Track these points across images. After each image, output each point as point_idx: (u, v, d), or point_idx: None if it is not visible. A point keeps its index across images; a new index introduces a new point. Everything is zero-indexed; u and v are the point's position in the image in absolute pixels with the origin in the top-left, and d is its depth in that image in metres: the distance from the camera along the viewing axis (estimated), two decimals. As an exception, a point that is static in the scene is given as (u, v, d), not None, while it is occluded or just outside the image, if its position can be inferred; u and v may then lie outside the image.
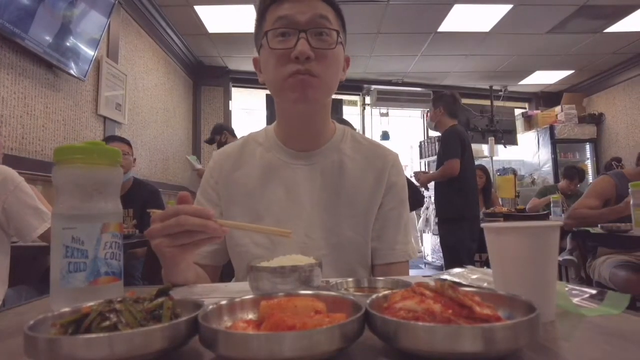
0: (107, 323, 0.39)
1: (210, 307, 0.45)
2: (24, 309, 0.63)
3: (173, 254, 0.71)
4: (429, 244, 6.46)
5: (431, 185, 3.83)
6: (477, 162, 5.80)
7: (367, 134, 6.84)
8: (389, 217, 1.00)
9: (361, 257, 0.97)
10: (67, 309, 0.44)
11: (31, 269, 2.13)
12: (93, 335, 0.37)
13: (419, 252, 6.38)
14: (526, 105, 7.77)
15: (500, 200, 5.50)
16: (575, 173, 4.65)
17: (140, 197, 2.74)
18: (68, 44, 2.94)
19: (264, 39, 0.89)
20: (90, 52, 3.19)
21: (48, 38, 2.73)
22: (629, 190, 2.09)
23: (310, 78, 0.86)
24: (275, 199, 0.97)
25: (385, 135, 6.80)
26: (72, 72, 3.03)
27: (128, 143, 2.86)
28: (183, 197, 0.72)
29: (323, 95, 0.92)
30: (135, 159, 2.94)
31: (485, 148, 6.71)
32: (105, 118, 3.63)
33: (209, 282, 0.92)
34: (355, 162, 1.01)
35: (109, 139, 2.90)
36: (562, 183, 4.72)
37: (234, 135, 4.11)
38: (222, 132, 4.12)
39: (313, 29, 0.86)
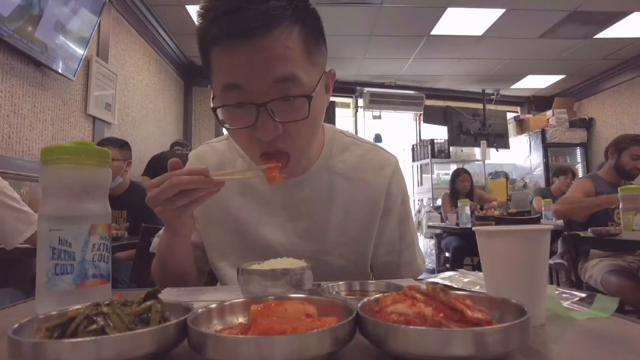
0: (94, 327, 0.39)
1: (200, 310, 0.44)
2: (8, 312, 0.62)
3: (174, 215, 0.71)
4: (421, 247, 6.47)
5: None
6: (468, 166, 5.87)
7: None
8: (392, 242, 0.94)
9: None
10: (53, 312, 0.43)
11: (17, 271, 2.10)
12: (79, 340, 0.36)
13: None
14: (518, 109, 7.84)
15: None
16: (568, 169, 4.67)
17: (135, 200, 2.71)
18: (57, 42, 2.91)
19: (215, 114, 0.72)
20: (79, 51, 3.16)
21: (37, 36, 2.70)
22: (618, 195, 2.13)
23: (284, 161, 0.74)
24: (254, 222, 0.89)
25: (377, 138, 6.82)
26: (61, 71, 2.99)
27: (119, 146, 2.76)
28: (174, 163, 0.71)
29: (302, 163, 0.81)
30: (129, 163, 2.82)
31: (477, 151, 6.76)
32: (94, 118, 3.59)
33: (195, 277, 0.92)
34: (347, 181, 0.90)
35: (102, 142, 2.85)
36: (557, 182, 4.62)
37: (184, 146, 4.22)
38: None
39: (274, 101, 0.68)
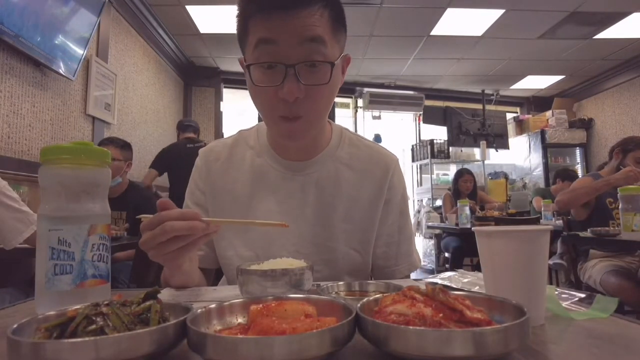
0: (93, 327, 0.39)
1: (199, 310, 0.44)
2: (8, 312, 0.62)
3: (172, 258, 0.69)
4: (421, 247, 6.49)
5: None
6: (468, 166, 5.87)
7: (359, 137, 6.83)
8: (392, 232, 0.98)
9: (357, 272, 0.94)
10: (52, 313, 0.43)
11: (17, 271, 2.10)
12: (79, 340, 0.36)
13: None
14: (518, 109, 7.84)
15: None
16: (575, 175, 4.68)
17: (133, 201, 2.70)
18: (57, 42, 2.91)
19: (247, 72, 0.80)
20: (79, 51, 3.16)
21: (36, 36, 2.69)
22: (618, 195, 2.13)
23: (299, 124, 0.80)
24: (264, 209, 0.93)
25: (377, 138, 6.81)
26: (60, 71, 2.99)
27: (121, 146, 2.76)
28: (163, 203, 0.69)
29: (314, 131, 0.87)
30: (129, 164, 2.82)
31: (477, 152, 6.76)
32: (94, 118, 3.59)
33: (204, 282, 0.92)
34: (352, 172, 0.96)
35: (104, 141, 2.84)
36: (560, 185, 4.60)
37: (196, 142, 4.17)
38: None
39: (303, 63, 0.76)
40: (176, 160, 3.84)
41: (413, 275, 1.01)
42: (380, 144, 1.05)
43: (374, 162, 0.98)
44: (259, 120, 0.99)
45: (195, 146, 3.93)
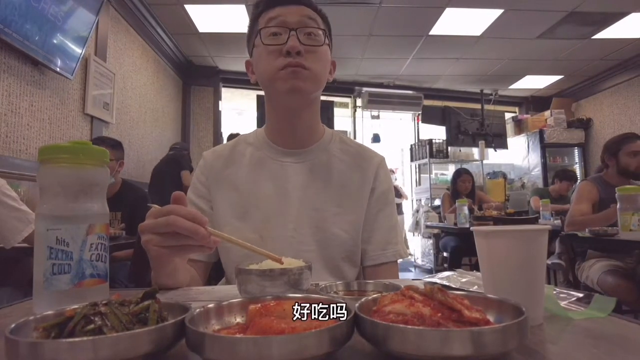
0: (91, 326, 0.38)
1: (198, 310, 0.44)
2: (5, 312, 0.62)
3: (159, 253, 0.68)
4: (419, 246, 6.49)
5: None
6: (466, 166, 5.87)
7: (358, 137, 6.86)
8: (378, 219, 1.04)
9: (347, 254, 0.99)
10: (50, 312, 0.43)
11: (16, 271, 2.09)
12: (77, 339, 0.36)
13: (409, 255, 6.41)
14: (516, 109, 7.86)
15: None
16: (573, 177, 4.68)
17: (128, 201, 2.69)
18: (55, 41, 2.90)
19: (257, 37, 0.94)
20: (77, 50, 3.15)
21: (34, 34, 2.69)
22: (616, 195, 2.13)
23: (301, 70, 0.91)
24: (263, 195, 1.00)
25: (376, 138, 6.83)
26: (58, 70, 2.98)
27: (112, 146, 2.70)
28: (177, 197, 0.69)
29: (313, 87, 0.95)
30: (121, 163, 2.80)
31: (475, 151, 6.77)
32: (92, 117, 3.59)
33: (200, 285, 0.92)
34: (342, 163, 1.05)
35: (95, 141, 2.81)
36: (558, 185, 4.64)
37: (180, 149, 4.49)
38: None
39: (302, 29, 0.93)
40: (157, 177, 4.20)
41: (411, 275, 1.02)
42: (368, 145, 1.17)
43: (361, 156, 1.08)
44: (258, 123, 1.04)
45: (165, 156, 4.30)
